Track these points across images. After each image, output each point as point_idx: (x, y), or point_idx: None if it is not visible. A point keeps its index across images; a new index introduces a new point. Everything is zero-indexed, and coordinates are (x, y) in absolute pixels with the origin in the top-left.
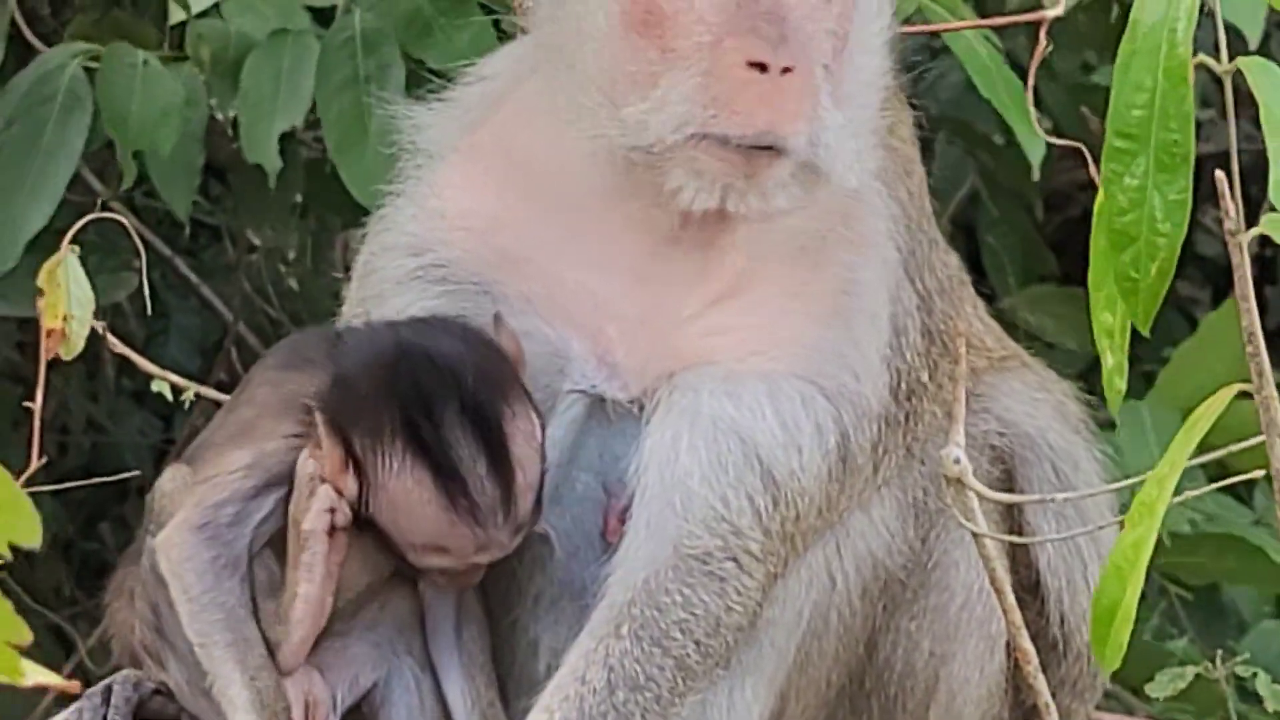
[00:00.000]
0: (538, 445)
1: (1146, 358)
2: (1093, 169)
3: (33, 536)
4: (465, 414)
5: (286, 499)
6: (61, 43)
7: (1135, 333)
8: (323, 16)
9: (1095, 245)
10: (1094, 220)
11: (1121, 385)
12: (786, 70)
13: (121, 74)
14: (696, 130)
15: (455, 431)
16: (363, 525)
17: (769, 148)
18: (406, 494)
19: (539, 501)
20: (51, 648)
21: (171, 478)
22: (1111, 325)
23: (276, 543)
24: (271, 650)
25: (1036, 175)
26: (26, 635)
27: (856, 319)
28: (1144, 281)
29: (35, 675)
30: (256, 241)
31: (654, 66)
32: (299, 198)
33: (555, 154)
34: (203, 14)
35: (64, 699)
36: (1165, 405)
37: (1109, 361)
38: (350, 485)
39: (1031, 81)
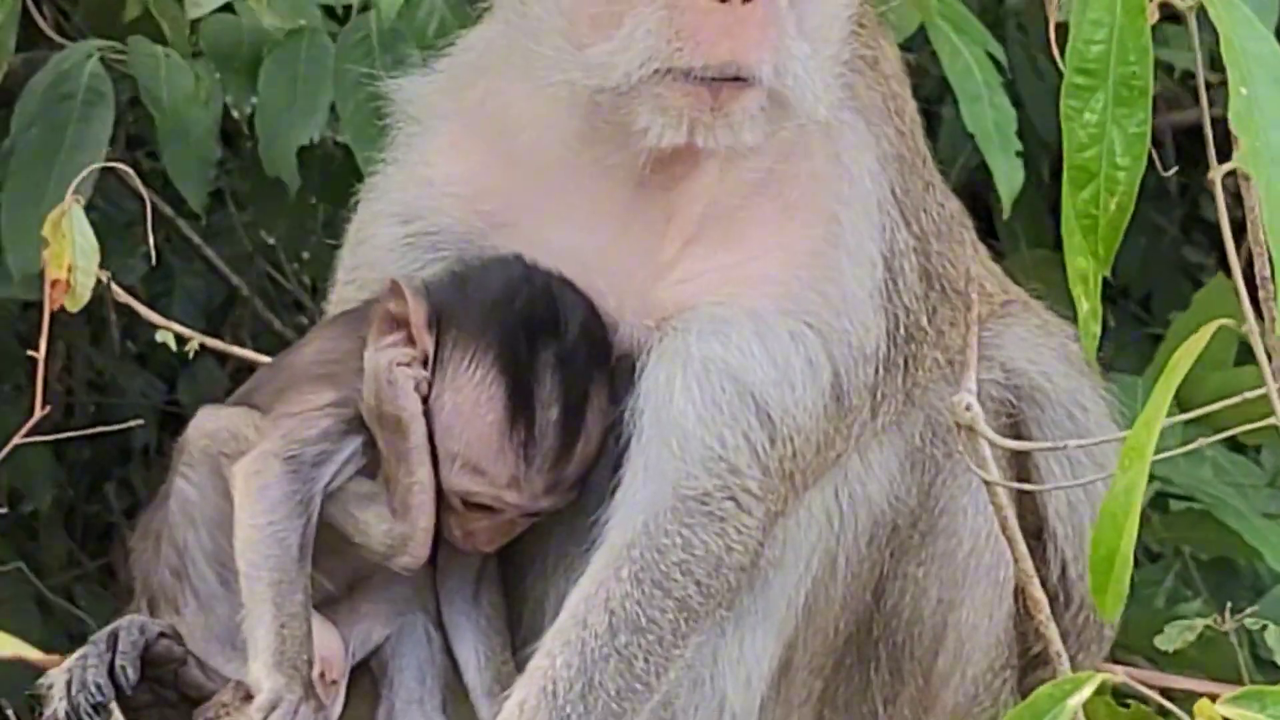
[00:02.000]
0: (605, 426)
1: (1154, 320)
2: None
3: None
4: (562, 360)
5: (367, 445)
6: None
7: (1144, 301)
8: (333, 12)
9: (1065, 194)
10: (1063, 169)
11: (1096, 330)
12: (747, 0)
13: (148, 63)
14: (661, 65)
15: (547, 370)
16: None
17: (735, 79)
18: (475, 401)
19: (583, 480)
20: (55, 614)
21: (213, 417)
22: (1085, 271)
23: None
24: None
25: (1007, 213)
26: None
27: (839, 256)
28: (1103, 217)
29: (9, 647)
30: (270, 240)
31: (616, 6)
32: (314, 199)
33: (532, 113)
34: (217, 10)
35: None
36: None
37: (1083, 308)
38: (422, 373)
39: (1053, 28)
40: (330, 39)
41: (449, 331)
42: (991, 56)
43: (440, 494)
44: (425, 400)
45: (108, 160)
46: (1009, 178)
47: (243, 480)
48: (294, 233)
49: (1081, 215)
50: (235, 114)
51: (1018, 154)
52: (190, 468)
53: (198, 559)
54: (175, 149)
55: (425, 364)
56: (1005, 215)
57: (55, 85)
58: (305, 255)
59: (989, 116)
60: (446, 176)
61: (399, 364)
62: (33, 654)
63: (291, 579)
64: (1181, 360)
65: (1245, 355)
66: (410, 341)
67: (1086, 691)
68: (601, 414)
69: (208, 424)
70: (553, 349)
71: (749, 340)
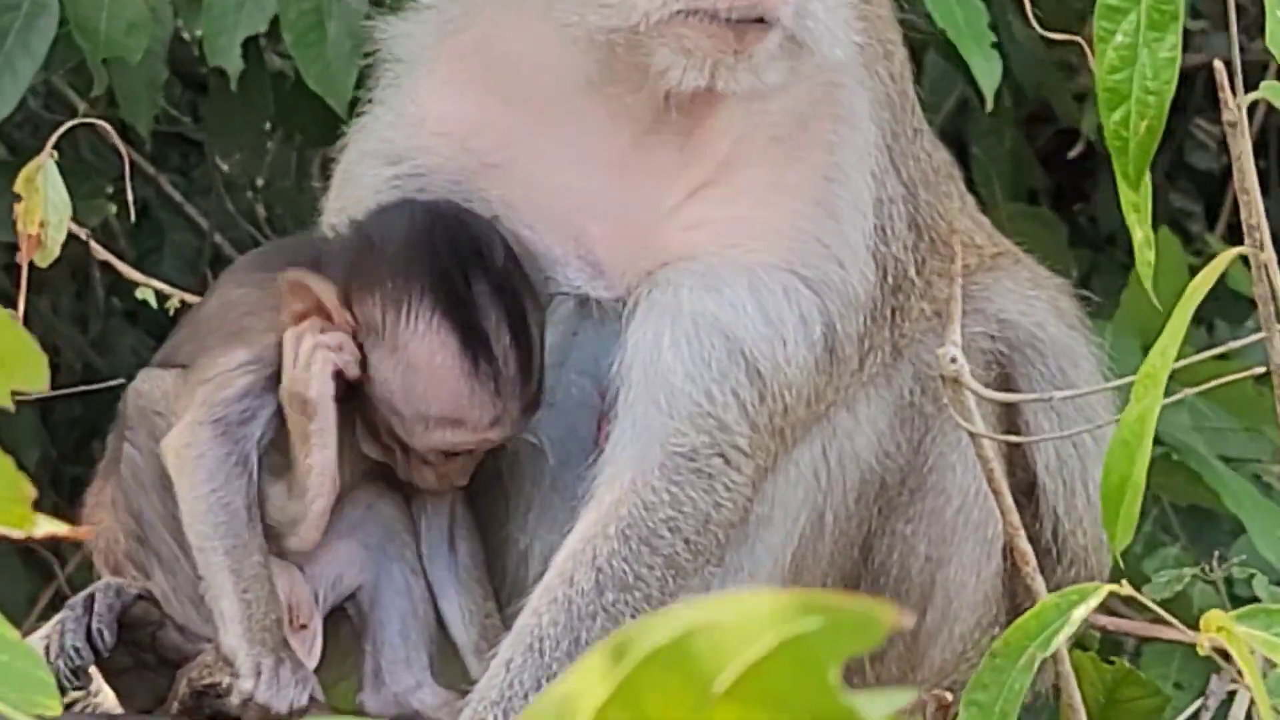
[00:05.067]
0: (543, 332)
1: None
2: (1092, 63)
3: (38, 380)
4: (494, 285)
5: None
6: None
7: (1129, 248)
8: None
9: (1100, 113)
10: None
11: (1150, 257)
12: None
13: None
14: (684, 6)
15: (485, 299)
16: (348, 410)
17: (757, 20)
18: (430, 356)
19: (540, 387)
20: (41, 571)
21: (147, 379)
22: (1136, 199)
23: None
24: (278, 549)
25: (990, 105)
26: (29, 491)
27: (840, 204)
28: (1133, 139)
29: (46, 526)
30: (225, 167)
31: None
32: (268, 125)
33: (534, 52)
34: None
35: (47, 612)
36: (1127, 330)
37: (1138, 235)
38: (353, 350)
39: None
40: None
41: (371, 295)
42: None
43: (408, 453)
44: (362, 377)
45: (77, 82)
46: (986, 70)
47: (174, 456)
48: (254, 161)
49: (1113, 137)
50: (186, 35)
51: (994, 46)
52: (132, 431)
53: (154, 522)
54: (121, 72)
55: (353, 338)
56: (989, 108)
57: None
58: (260, 182)
59: (958, 13)
60: (437, 116)
61: (321, 346)
62: (65, 530)
63: (245, 542)
64: (1198, 288)
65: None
66: (329, 320)
67: (1093, 602)
68: (539, 322)
69: (143, 385)
70: (485, 277)
71: (741, 295)
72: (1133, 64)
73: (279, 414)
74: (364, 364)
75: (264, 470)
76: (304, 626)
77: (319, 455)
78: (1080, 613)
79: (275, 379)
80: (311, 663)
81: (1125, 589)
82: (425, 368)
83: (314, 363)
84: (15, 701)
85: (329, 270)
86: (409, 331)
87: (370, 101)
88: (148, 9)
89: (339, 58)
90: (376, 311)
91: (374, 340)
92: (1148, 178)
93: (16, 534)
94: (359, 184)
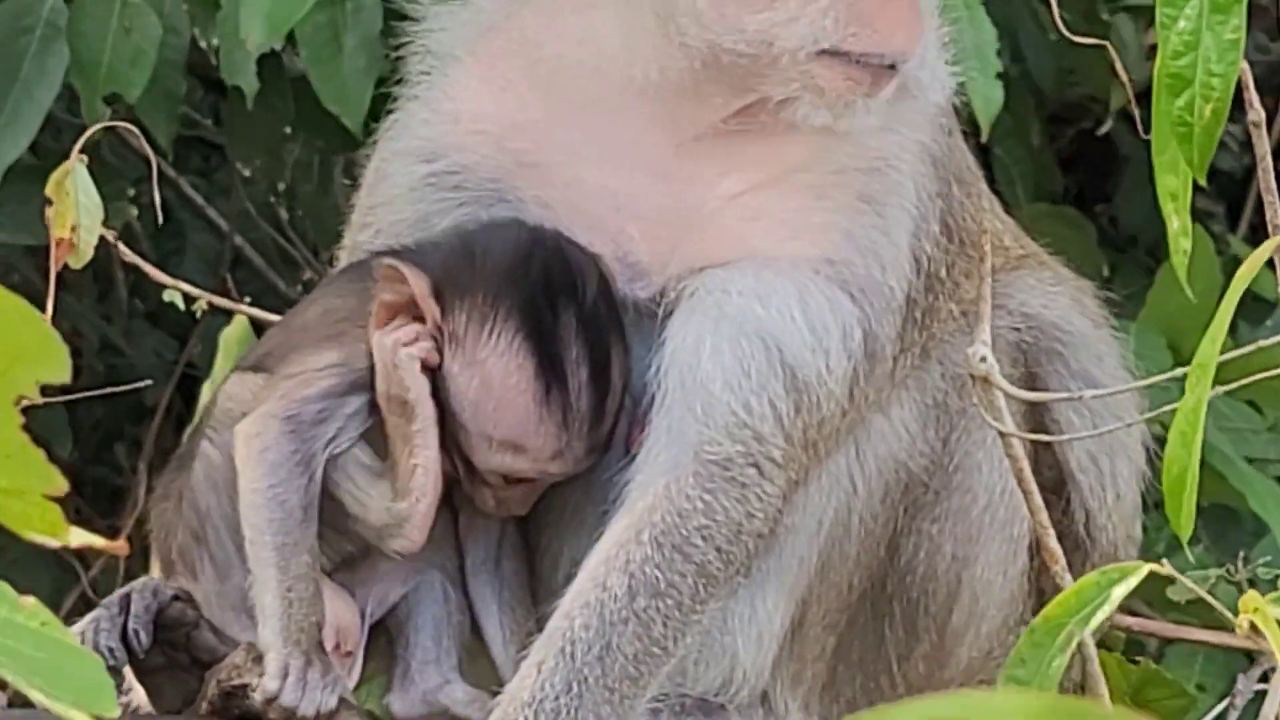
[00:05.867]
0: (625, 378)
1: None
2: (1119, 67)
3: (61, 371)
4: (582, 320)
5: (372, 404)
6: None
7: (1152, 251)
8: None
9: (1157, 108)
10: (1154, 83)
11: (1187, 246)
12: None
13: (98, 10)
14: (830, 45)
15: (570, 332)
16: None
17: (890, 66)
18: (505, 376)
19: (613, 431)
20: (67, 572)
21: (238, 381)
22: (1175, 187)
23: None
24: (325, 557)
25: (985, 135)
26: (62, 484)
27: (888, 203)
28: (1198, 124)
29: (79, 537)
30: (246, 173)
31: None
32: (288, 130)
33: (577, 52)
34: None
35: (77, 611)
36: (1153, 329)
37: (1174, 225)
38: (433, 345)
39: None
40: None
41: (460, 304)
42: None
43: (472, 470)
44: (438, 373)
45: (111, 120)
46: (987, 100)
47: (242, 443)
48: (274, 166)
49: (1177, 123)
50: (203, 44)
51: (998, 76)
52: (215, 431)
53: (219, 525)
54: (141, 85)
55: (436, 337)
56: (984, 137)
57: (14, 19)
58: (281, 186)
59: (968, 36)
60: (474, 113)
61: (404, 344)
62: (100, 542)
63: (296, 540)
64: (1241, 278)
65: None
66: (415, 319)
67: (1133, 581)
68: (622, 365)
69: (232, 388)
70: (574, 311)
71: (791, 305)
72: (1195, 49)
73: (362, 418)
74: (441, 365)
75: (354, 472)
76: (349, 654)
77: (422, 454)
78: (1120, 591)
79: (359, 385)
80: (351, 681)
81: (1166, 568)
82: (498, 387)
83: (402, 363)
84: (74, 704)
85: (426, 267)
86: (488, 347)
87: (402, 98)
88: (160, 26)
89: (354, 73)
90: (462, 320)
91: (455, 347)
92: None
93: (51, 543)
94: (392, 182)
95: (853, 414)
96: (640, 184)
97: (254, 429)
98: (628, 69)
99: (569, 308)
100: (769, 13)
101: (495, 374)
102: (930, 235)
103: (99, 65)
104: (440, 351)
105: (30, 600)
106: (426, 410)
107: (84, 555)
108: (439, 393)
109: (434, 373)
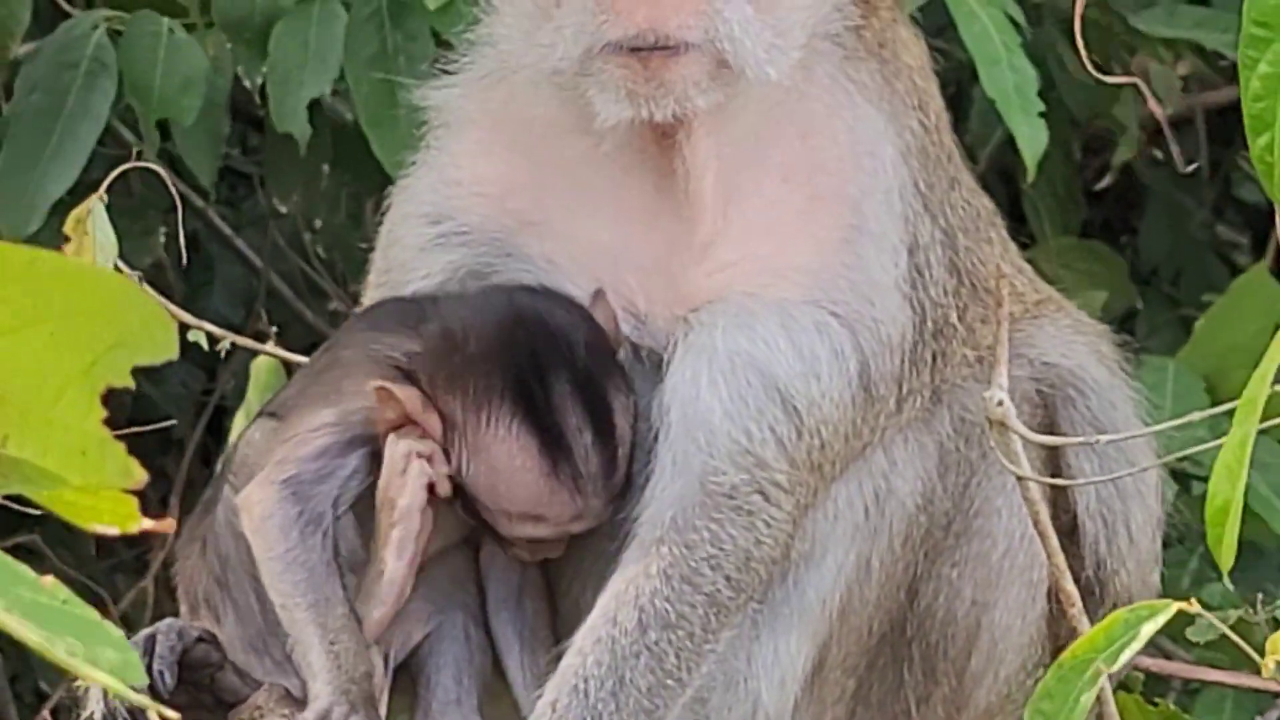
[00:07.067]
0: (632, 419)
1: (1187, 301)
2: (1152, 103)
3: (169, 349)
4: (576, 383)
5: (372, 458)
6: (88, 8)
7: (1175, 282)
8: None
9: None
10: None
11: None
12: None
13: (145, 42)
14: (591, 41)
15: (566, 400)
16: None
17: (665, 47)
18: (510, 459)
19: (629, 473)
20: (93, 603)
21: (259, 428)
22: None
23: (361, 513)
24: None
25: (1031, 176)
26: (142, 476)
27: (865, 244)
28: (1278, 166)
29: (145, 522)
30: (283, 209)
31: None
32: (326, 167)
33: (548, 111)
34: None
35: None
36: (1193, 367)
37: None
38: (442, 454)
39: (1079, 20)
40: (343, 7)
41: (453, 397)
42: (1010, 18)
43: (498, 535)
44: (453, 471)
45: (129, 118)
46: (1031, 140)
47: (246, 516)
48: (310, 203)
49: (1259, 161)
50: (247, 84)
51: (1040, 115)
52: (235, 475)
53: (238, 570)
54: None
55: (440, 441)
56: (1030, 179)
57: (60, 53)
58: (318, 224)
59: (1009, 79)
60: (474, 177)
61: (418, 454)
62: (155, 526)
63: (327, 596)
64: None
65: None
66: (424, 431)
67: (1161, 619)
68: (625, 407)
69: (254, 435)
70: (566, 378)
71: (775, 333)
72: (1276, 92)
73: (361, 476)
74: (447, 456)
75: (342, 555)
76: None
77: (393, 564)
78: (1149, 629)
79: (356, 441)
80: None
81: (1194, 607)
82: (506, 470)
83: (409, 472)
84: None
85: (416, 367)
86: (489, 435)
87: (414, 164)
88: (208, 61)
89: (410, 132)
90: (459, 412)
91: (458, 438)
92: None
93: (112, 531)
94: (403, 245)
95: (855, 442)
96: (631, 233)
97: (254, 497)
98: (571, 119)
99: (560, 376)
100: (549, 24)
101: (500, 458)
102: (936, 280)
103: (150, 90)
104: (447, 452)
105: (50, 579)
106: (413, 523)
107: (115, 586)
108: (455, 478)
109: (440, 494)
